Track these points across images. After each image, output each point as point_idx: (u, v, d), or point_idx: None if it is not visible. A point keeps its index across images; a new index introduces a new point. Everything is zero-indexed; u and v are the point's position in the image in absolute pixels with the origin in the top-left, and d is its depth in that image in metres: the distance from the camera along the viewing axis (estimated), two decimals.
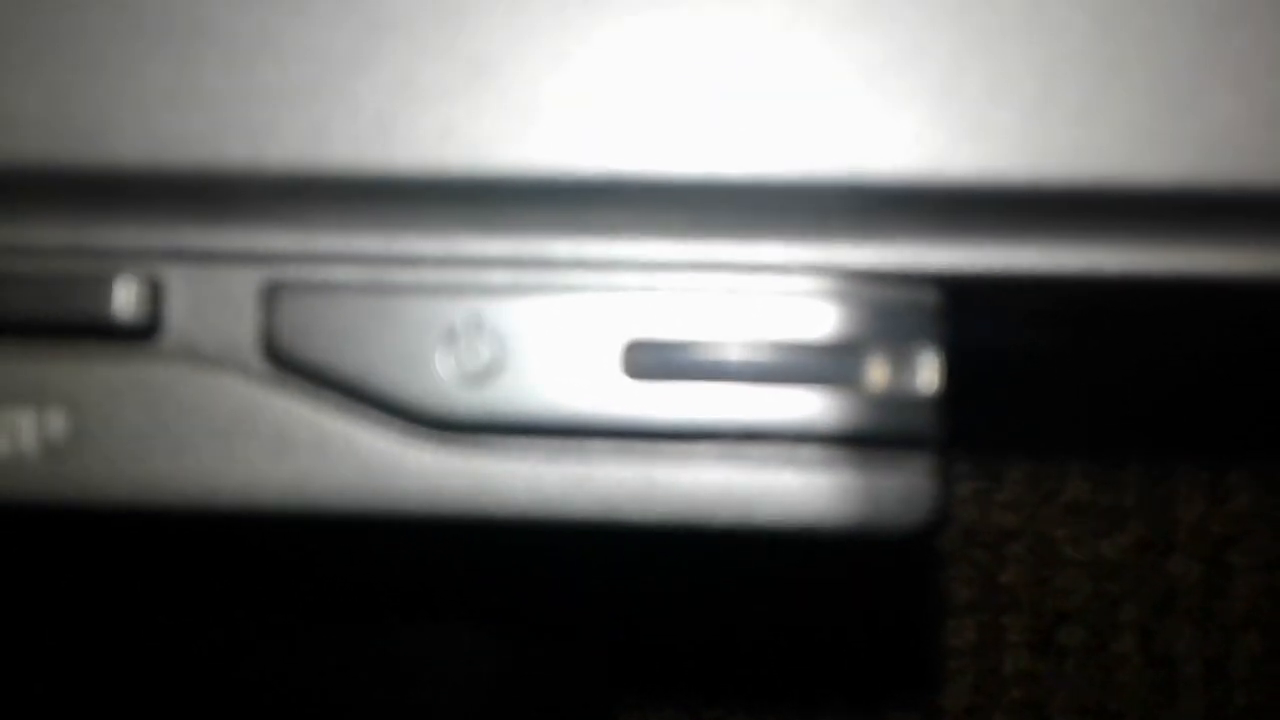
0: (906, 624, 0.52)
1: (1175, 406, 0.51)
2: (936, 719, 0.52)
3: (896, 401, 0.19)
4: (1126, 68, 0.17)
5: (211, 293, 0.19)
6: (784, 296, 0.19)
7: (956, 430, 0.20)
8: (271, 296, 0.19)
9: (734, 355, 0.19)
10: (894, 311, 0.19)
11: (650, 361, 0.19)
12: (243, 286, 0.19)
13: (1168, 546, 0.53)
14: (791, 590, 0.48)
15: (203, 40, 0.18)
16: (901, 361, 0.19)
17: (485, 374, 0.19)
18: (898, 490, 0.19)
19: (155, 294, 0.19)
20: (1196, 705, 0.53)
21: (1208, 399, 0.51)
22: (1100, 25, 0.17)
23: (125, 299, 0.19)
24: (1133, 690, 0.53)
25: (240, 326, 0.19)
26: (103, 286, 0.19)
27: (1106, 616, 0.53)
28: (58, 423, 0.19)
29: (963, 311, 0.19)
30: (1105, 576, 0.52)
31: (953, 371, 0.19)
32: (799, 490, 0.19)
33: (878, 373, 0.19)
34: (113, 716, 0.43)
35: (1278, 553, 0.52)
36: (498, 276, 0.19)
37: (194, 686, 0.43)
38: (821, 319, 0.19)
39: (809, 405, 0.19)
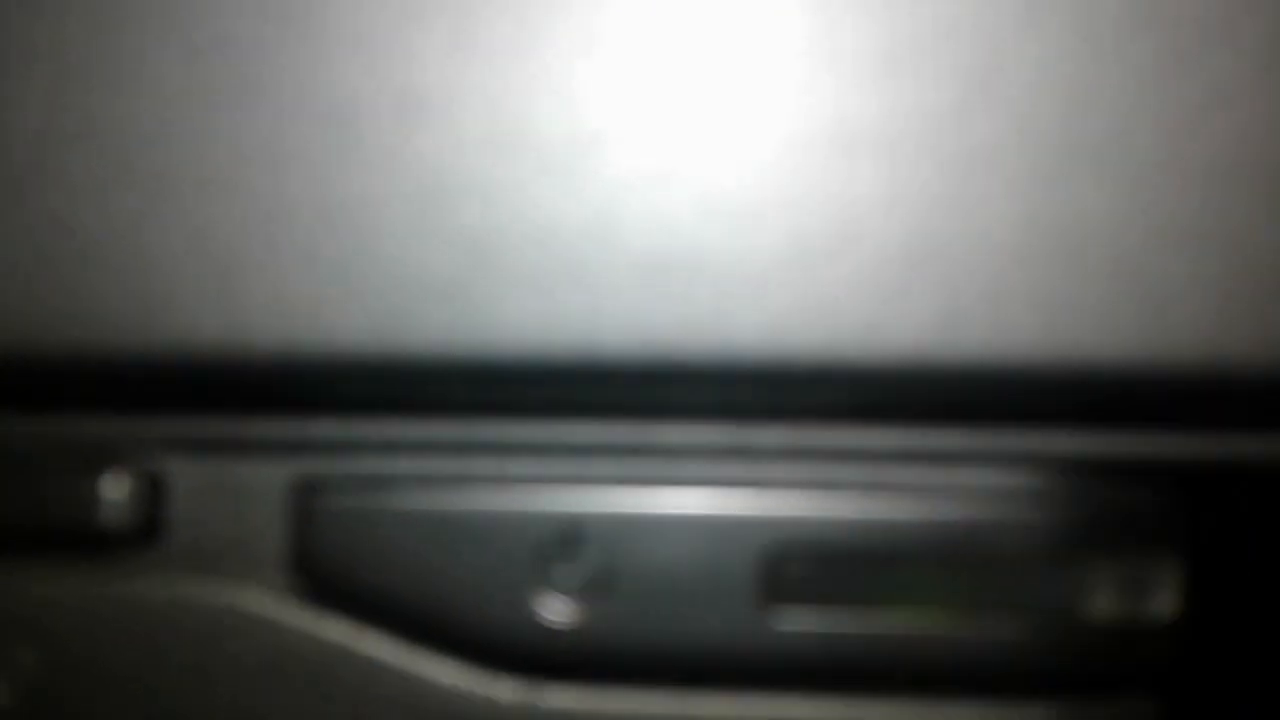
0: None
1: None
2: None
3: (1126, 632, 0.14)
4: None
5: (227, 490, 0.15)
6: (977, 495, 0.14)
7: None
8: (303, 497, 0.15)
9: (909, 569, 0.14)
10: (1126, 515, 0.14)
11: (797, 577, 0.14)
12: (267, 482, 0.15)
13: None
14: None
15: (217, 207, 0.13)
16: (1135, 580, 0.14)
17: (590, 597, 0.14)
18: None
19: (154, 491, 0.15)
20: None
21: None
22: None
23: (116, 496, 0.14)
24: None
25: (264, 533, 0.15)
26: (86, 482, 0.14)
27: None
28: (25, 662, 0.15)
29: (1213, 513, 0.15)
30: None
31: (1196, 594, 0.14)
32: None
33: (1105, 595, 0.14)
34: None
35: None
36: (602, 471, 0.15)
37: None
38: (1029, 523, 0.14)
39: (1008, 637, 0.14)
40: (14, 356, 0.14)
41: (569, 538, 0.14)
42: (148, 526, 0.15)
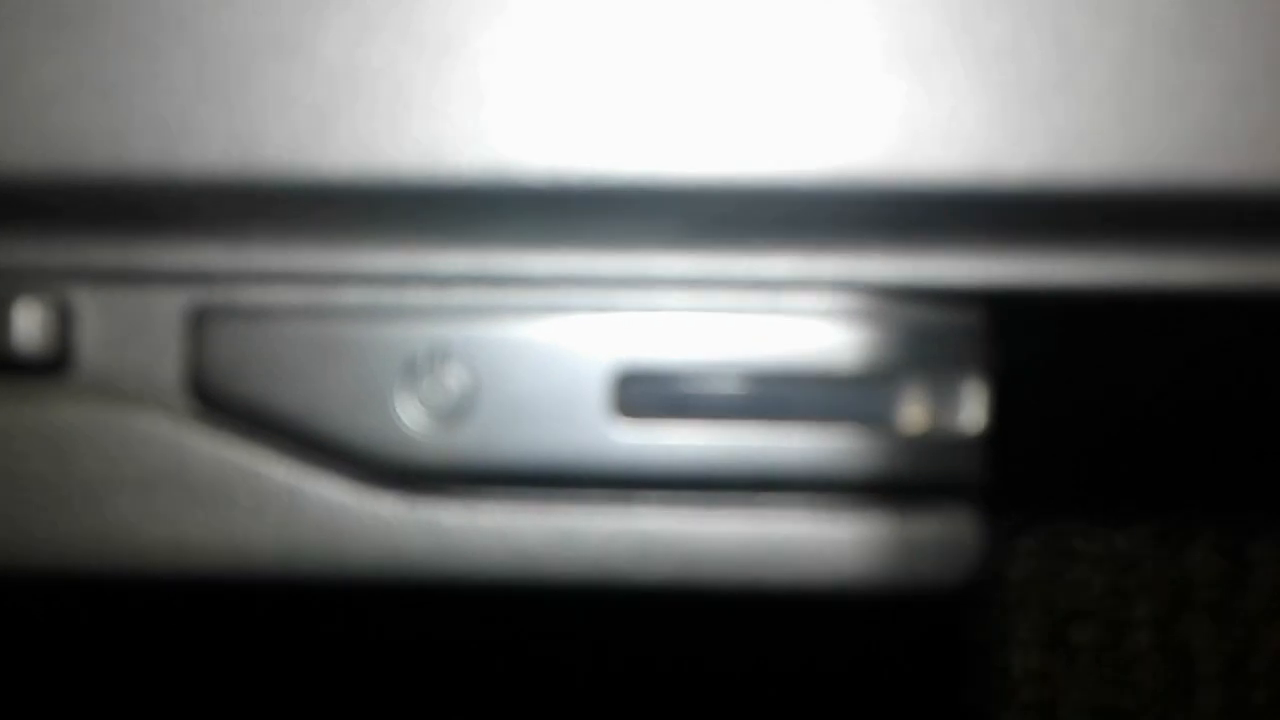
0: (915, 621, 0.51)
1: (1195, 398, 0.49)
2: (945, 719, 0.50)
3: (936, 442, 0.16)
4: (1199, 58, 0.14)
5: (130, 318, 0.16)
6: (803, 318, 0.16)
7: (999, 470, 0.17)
8: (200, 323, 0.16)
9: (744, 389, 0.16)
10: (934, 336, 0.16)
11: (645, 396, 0.16)
12: (166, 311, 0.16)
13: (1185, 538, 0.51)
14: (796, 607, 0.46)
15: (109, 29, 0.15)
16: (942, 395, 0.16)
17: (453, 414, 0.16)
18: (936, 545, 0.16)
19: (64, 320, 0.16)
20: (1214, 703, 0.51)
21: (1228, 389, 0.49)
22: (1176, 12, 0.14)
23: (28, 326, 0.16)
24: (1148, 689, 0.51)
25: (164, 358, 0.16)
26: (3, 311, 0.16)
27: (1120, 612, 0.51)
28: None
29: (1010, 335, 0.16)
30: (1119, 570, 0.51)
31: (999, 406, 0.16)
32: (820, 548, 0.16)
33: (914, 409, 0.16)
34: None
35: None
36: (465, 297, 0.16)
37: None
38: (848, 345, 0.16)
39: (832, 448, 0.16)
40: None
41: (436, 357, 0.16)
42: (58, 353, 0.16)
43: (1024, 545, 0.52)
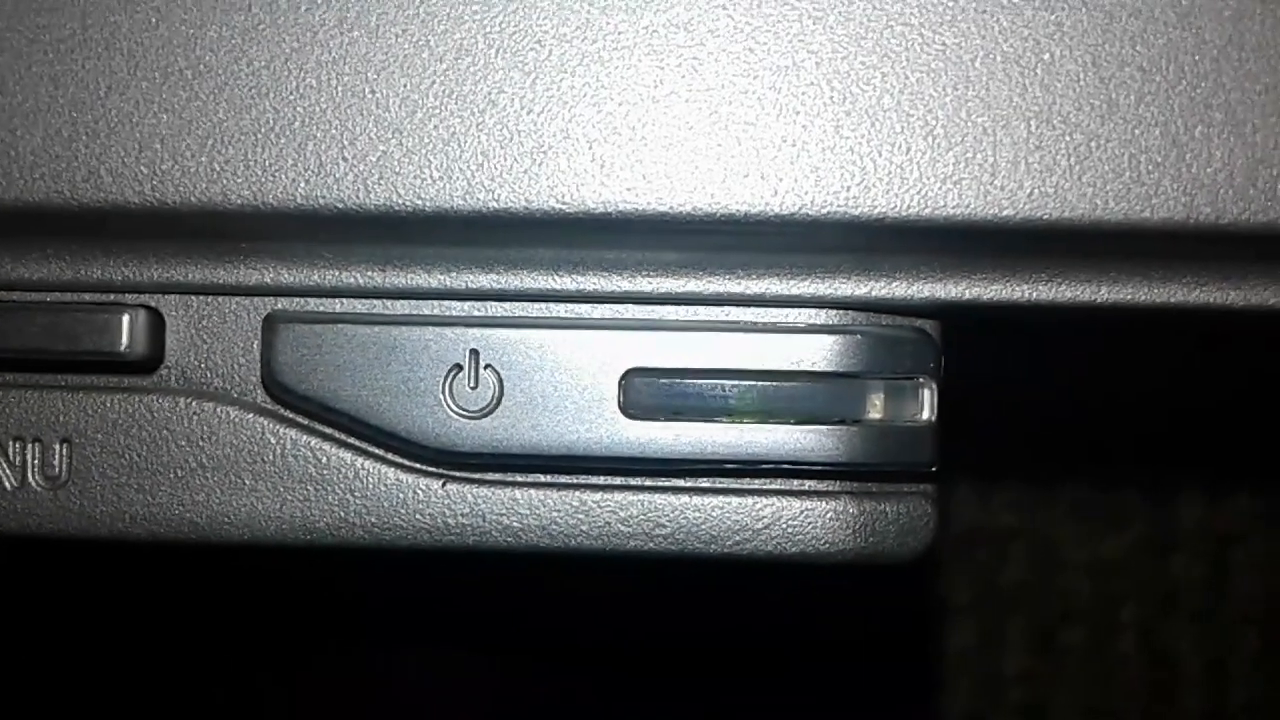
0: (906, 625, 0.52)
1: (1177, 409, 0.51)
2: (937, 719, 0.52)
3: (895, 433, 0.19)
4: (1112, 118, 0.17)
5: (212, 325, 0.19)
6: (784, 330, 0.19)
7: (956, 451, 0.20)
8: (272, 328, 0.19)
9: (733, 387, 0.19)
10: (894, 343, 0.19)
11: (649, 394, 0.19)
12: (244, 318, 0.19)
13: (1169, 546, 0.53)
14: (791, 593, 0.49)
15: (207, 81, 0.18)
16: (901, 392, 0.19)
17: (486, 407, 0.19)
18: (897, 519, 0.19)
19: (158, 327, 0.19)
20: (1197, 703, 0.53)
21: (1207, 403, 0.51)
22: (1090, 78, 0.17)
23: (131, 332, 0.19)
24: (1134, 689, 0.53)
25: (241, 358, 0.19)
26: (110, 320, 0.19)
27: (1107, 616, 0.53)
28: (61, 456, 0.19)
29: (960, 342, 0.19)
30: (1106, 577, 0.52)
31: (952, 401, 0.19)
32: (800, 521, 0.19)
33: (877, 404, 0.19)
34: None
35: (1277, 552, 0.52)
36: (498, 309, 0.19)
37: (195, 710, 0.43)
38: (822, 351, 0.19)
39: (809, 437, 0.19)
40: (54, 205, 0.18)
41: (472, 359, 0.19)
42: (153, 354, 0.19)
43: (1014, 550, 0.54)
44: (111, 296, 0.19)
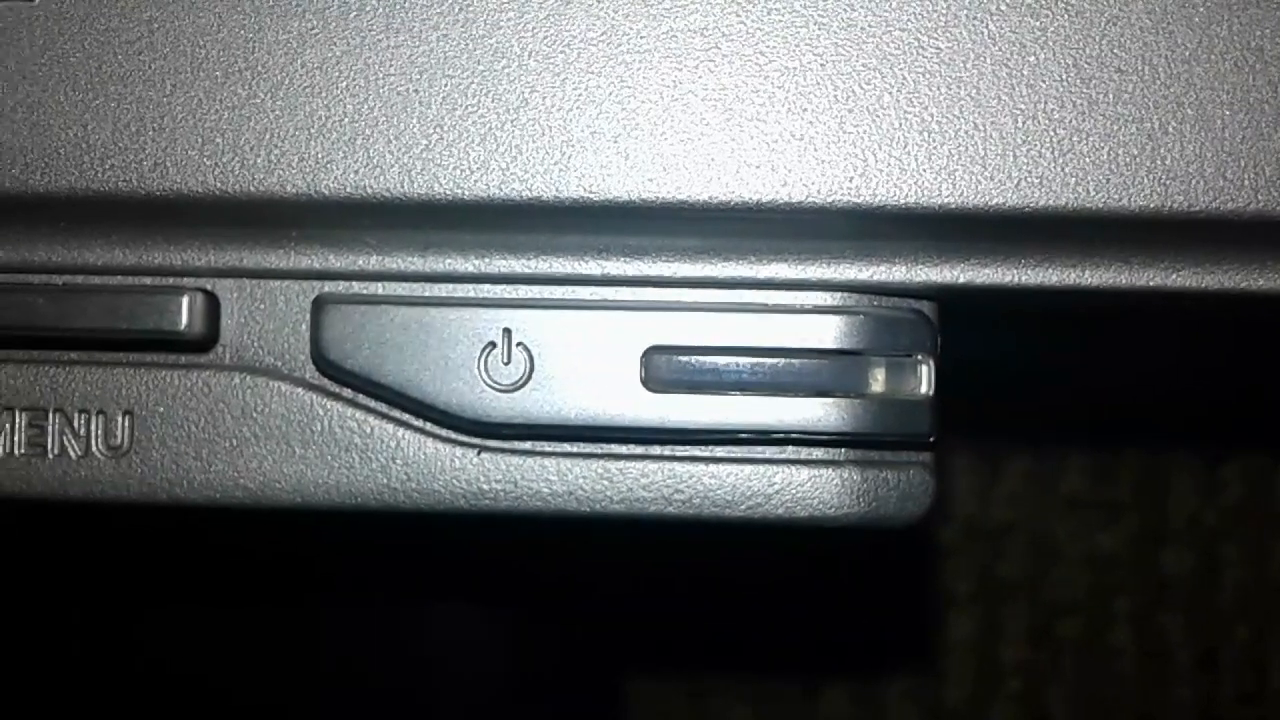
0: (905, 615, 0.53)
1: (1169, 401, 0.52)
2: (936, 709, 0.53)
3: (896, 405, 0.20)
4: (1092, 115, 0.19)
5: (264, 307, 0.21)
6: (794, 311, 0.21)
7: (954, 428, 0.22)
8: (321, 309, 0.21)
9: (746, 364, 0.21)
10: (894, 323, 0.21)
11: (668, 370, 0.21)
12: (294, 300, 0.21)
13: (1162, 539, 0.54)
14: (792, 583, 0.50)
15: (264, 81, 0.20)
16: (901, 369, 0.20)
17: (518, 381, 0.21)
18: (899, 486, 0.21)
19: (214, 309, 0.21)
20: (1189, 693, 0.54)
21: (1200, 393, 0.52)
22: (1072, 79, 0.19)
23: (189, 313, 0.21)
24: (1128, 679, 0.54)
25: (292, 338, 0.21)
26: (170, 302, 0.21)
27: (1103, 608, 0.54)
28: (123, 428, 0.21)
29: (956, 323, 0.21)
30: (1101, 569, 0.54)
31: (949, 376, 0.21)
32: (808, 487, 0.21)
33: (879, 379, 0.20)
34: (138, 693, 0.44)
35: (1267, 545, 0.54)
36: (530, 292, 0.21)
37: (215, 665, 0.45)
38: (828, 330, 0.20)
39: (816, 410, 0.20)
40: (119, 193, 0.20)
41: (505, 336, 0.21)
42: (210, 333, 0.21)
43: (1010, 544, 0.55)
44: (171, 280, 0.21)
